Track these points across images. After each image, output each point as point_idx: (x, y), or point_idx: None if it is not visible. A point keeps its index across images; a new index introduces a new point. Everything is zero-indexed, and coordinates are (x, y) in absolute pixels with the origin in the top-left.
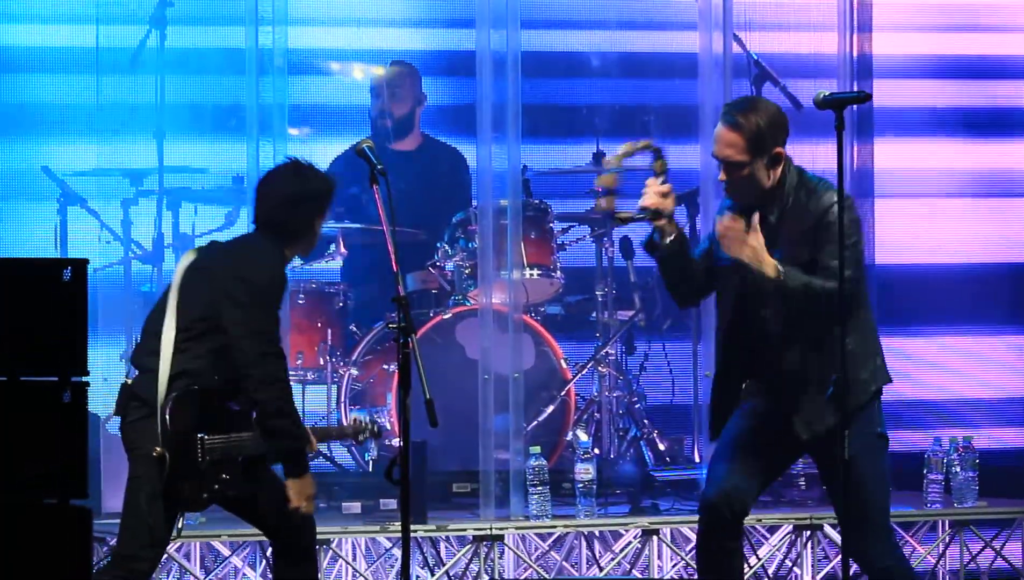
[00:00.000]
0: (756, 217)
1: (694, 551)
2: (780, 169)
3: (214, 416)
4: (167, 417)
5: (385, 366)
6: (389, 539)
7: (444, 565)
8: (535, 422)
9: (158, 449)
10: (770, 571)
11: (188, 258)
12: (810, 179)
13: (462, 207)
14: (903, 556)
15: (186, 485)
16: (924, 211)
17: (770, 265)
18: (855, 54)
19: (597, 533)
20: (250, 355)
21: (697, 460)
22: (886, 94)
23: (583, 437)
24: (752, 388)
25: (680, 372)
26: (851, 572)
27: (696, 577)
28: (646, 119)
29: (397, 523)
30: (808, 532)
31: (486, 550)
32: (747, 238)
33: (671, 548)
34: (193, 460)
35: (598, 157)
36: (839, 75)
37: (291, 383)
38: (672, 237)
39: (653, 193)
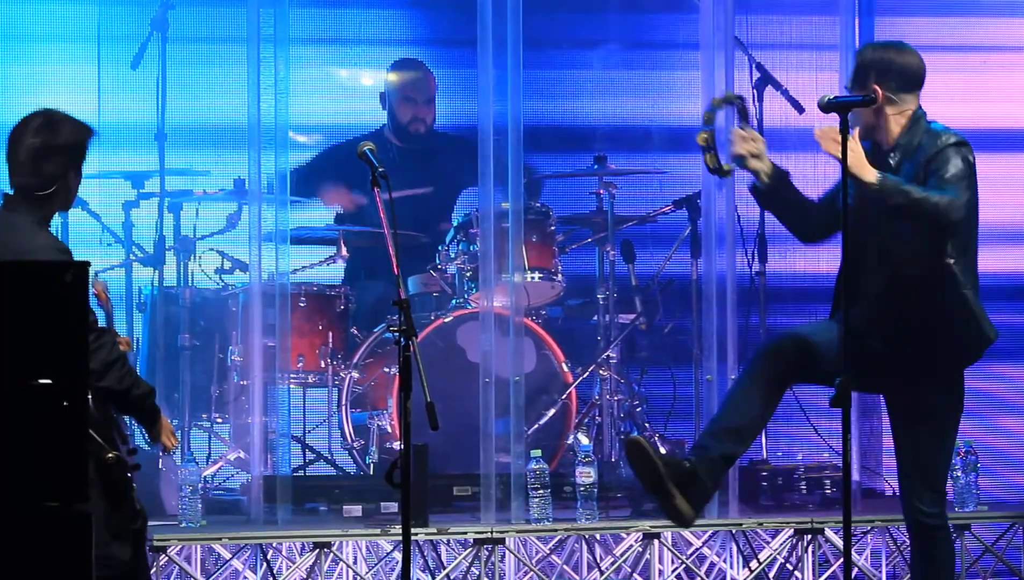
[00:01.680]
0: (856, 132)
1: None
2: (897, 115)
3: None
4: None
5: (386, 369)
6: (390, 542)
7: (445, 568)
8: (536, 425)
9: (111, 454)
10: (771, 575)
11: None
12: (936, 127)
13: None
14: (949, 525)
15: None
16: None
17: (870, 172)
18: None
19: (598, 537)
20: None
21: None
22: None
23: (584, 440)
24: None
25: (681, 376)
26: (852, 576)
27: None
28: (648, 125)
29: (398, 526)
30: (809, 536)
31: (487, 553)
32: (849, 142)
33: (672, 552)
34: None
35: (599, 160)
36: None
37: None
38: (769, 174)
39: (738, 140)
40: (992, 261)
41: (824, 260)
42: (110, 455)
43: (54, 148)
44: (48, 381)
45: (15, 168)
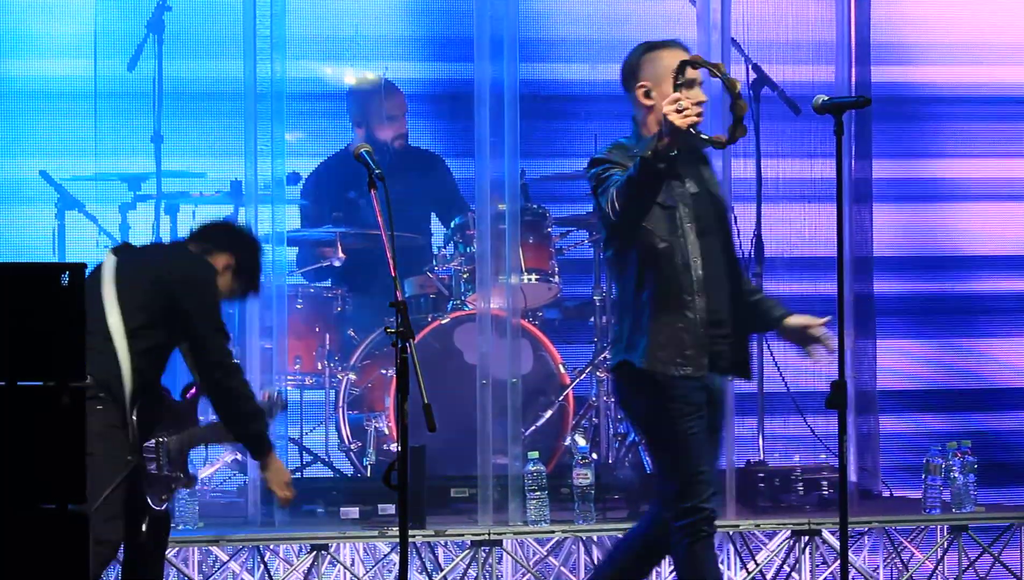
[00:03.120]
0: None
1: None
2: None
3: (160, 414)
4: (135, 424)
5: (383, 371)
6: (387, 544)
7: (442, 570)
8: (533, 427)
9: (130, 458)
10: (768, 576)
11: (112, 258)
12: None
13: (459, 212)
14: None
15: (149, 490)
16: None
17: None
18: (853, 83)
19: (595, 538)
20: (221, 349)
21: None
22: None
23: (581, 442)
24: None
25: None
26: (849, 577)
27: None
28: None
29: (395, 528)
30: (806, 538)
31: (484, 555)
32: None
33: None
34: (155, 464)
35: None
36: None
37: None
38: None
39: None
40: None
41: (821, 261)
42: (128, 459)
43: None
44: (47, 382)
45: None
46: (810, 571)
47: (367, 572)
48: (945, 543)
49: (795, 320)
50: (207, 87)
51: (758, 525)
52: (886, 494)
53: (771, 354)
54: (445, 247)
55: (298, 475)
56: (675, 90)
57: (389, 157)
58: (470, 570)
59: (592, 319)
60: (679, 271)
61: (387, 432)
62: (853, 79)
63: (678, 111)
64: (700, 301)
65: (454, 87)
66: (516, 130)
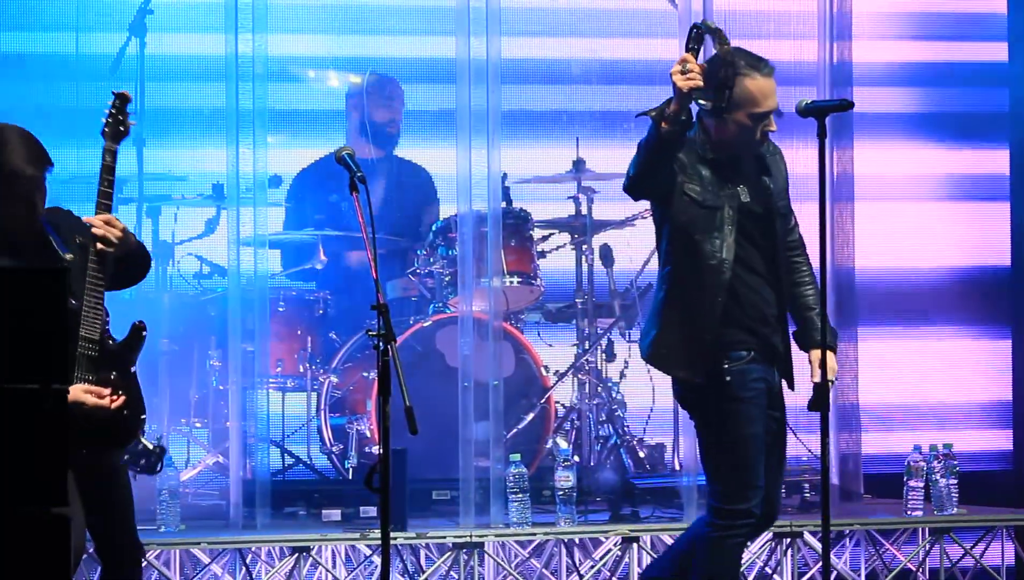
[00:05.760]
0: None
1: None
2: None
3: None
4: None
5: (365, 373)
6: (369, 546)
7: (424, 573)
8: (515, 430)
9: None
10: (750, 578)
11: None
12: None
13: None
14: None
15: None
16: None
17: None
18: (835, 61)
19: (577, 540)
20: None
21: (677, 468)
22: (866, 100)
23: (563, 444)
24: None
25: (660, 379)
26: (831, 579)
27: None
28: (626, 126)
29: (377, 530)
30: (788, 540)
31: (466, 558)
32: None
33: (651, 556)
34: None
35: (578, 164)
36: (819, 82)
37: None
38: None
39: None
40: None
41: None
42: None
43: None
44: (29, 385)
45: None
46: (792, 573)
47: (348, 575)
48: (927, 545)
49: (814, 357)
50: (189, 89)
51: None
52: (868, 496)
53: None
54: (427, 250)
55: (280, 478)
56: (687, 52)
57: (385, 139)
58: (452, 572)
59: (574, 321)
60: (708, 270)
61: (369, 435)
62: (835, 57)
63: (683, 72)
64: (719, 305)
65: (438, 67)
66: (498, 134)
